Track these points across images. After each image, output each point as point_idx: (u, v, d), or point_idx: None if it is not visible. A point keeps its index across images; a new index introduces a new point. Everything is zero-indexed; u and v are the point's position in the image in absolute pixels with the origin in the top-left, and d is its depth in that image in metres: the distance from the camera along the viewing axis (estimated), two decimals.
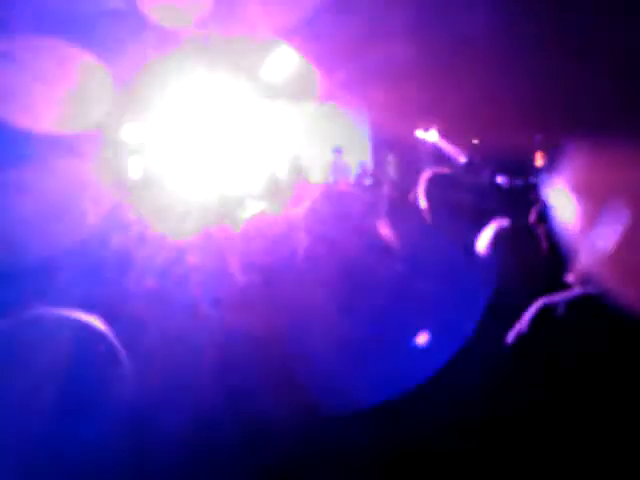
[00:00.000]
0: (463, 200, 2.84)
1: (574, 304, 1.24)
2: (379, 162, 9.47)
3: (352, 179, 9.28)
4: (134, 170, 6.72)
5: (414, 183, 3.37)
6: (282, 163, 9.22)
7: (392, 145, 9.44)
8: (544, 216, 2.13)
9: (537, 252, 2.10)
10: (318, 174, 9.39)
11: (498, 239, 2.06)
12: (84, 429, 0.99)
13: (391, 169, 9.21)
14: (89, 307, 2.41)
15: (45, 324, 0.97)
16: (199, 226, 2.91)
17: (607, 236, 1.03)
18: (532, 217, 2.30)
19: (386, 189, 5.17)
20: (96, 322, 1.00)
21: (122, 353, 1.00)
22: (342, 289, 1.99)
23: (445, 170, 2.95)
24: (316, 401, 1.78)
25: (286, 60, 7.89)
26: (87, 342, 0.97)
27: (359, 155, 9.74)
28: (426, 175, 2.83)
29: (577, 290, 1.23)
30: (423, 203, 2.77)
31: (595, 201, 1.09)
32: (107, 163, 5.46)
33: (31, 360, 0.94)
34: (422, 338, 1.97)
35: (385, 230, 2.34)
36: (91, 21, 5.45)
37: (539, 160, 7.50)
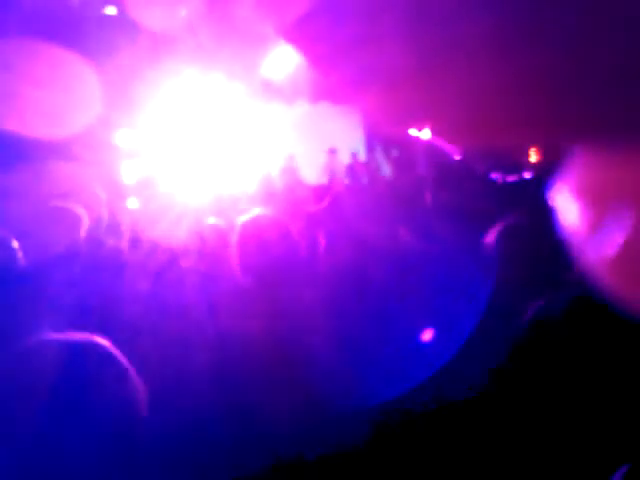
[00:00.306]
0: (465, 199, 2.86)
1: (573, 304, 1.23)
2: (373, 162, 9.48)
3: (345, 175, 9.29)
4: (128, 173, 6.70)
5: (410, 182, 3.37)
6: (276, 164, 9.21)
7: (386, 145, 9.44)
8: (542, 215, 2.14)
9: (538, 252, 2.10)
10: (312, 175, 9.38)
11: (500, 239, 2.06)
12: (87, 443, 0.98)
13: (385, 165, 9.22)
14: (82, 311, 2.39)
15: (49, 350, 0.94)
16: (194, 228, 2.90)
17: (609, 236, 1.01)
18: (528, 216, 2.29)
19: (382, 188, 5.17)
20: (103, 343, 0.97)
21: (131, 374, 0.97)
22: (342, 290, 1.99)
23: (447, 170, 2.95)
24: (316, 402, 1.78)
25: (280, 60, 7.88)
26: (95, 365, 0.94)
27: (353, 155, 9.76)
28: (432, 175, 2.83)
29: (576, 290, 1.22)
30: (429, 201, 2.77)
31: (598, 201, 1.07)
32: (101, 167, 5.45)
33: (36, 389, 0.92)
34: (424, 337, 1.97)
35: (383, 230, 2.34)
36: (83, 25, 5.44)
37: (536, 158, 7.51)
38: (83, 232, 3.14)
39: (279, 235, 2.12)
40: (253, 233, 2.13)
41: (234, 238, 2.15)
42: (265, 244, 2.10)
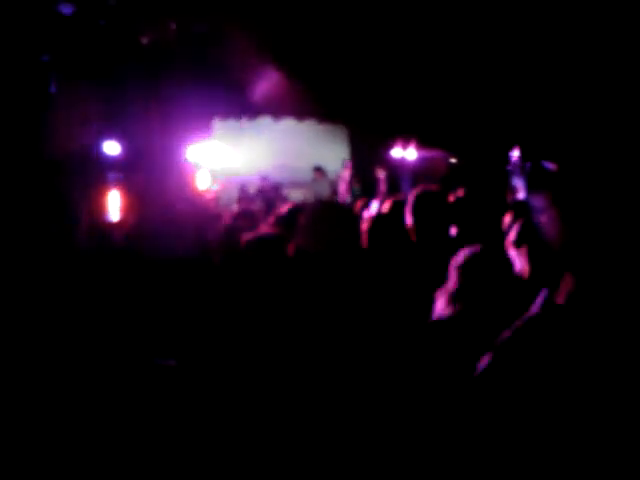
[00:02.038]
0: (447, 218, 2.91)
1: (563, 324, 1.22)
2: (360, 177, 9.60)
3: (338, 189, 9.43)
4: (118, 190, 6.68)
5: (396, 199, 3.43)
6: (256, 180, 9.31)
7: (373, 162, 9.59)
8: (527, 235, 2.21)
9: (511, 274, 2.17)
10: (299, 191, 9.50)
11: (469, 263, 2.09)
12: None
13: (382, 185, 9.36)
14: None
15: None
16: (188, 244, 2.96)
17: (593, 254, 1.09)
18: (512, 236, 2.35)
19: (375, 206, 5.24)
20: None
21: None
22: (334, 304, 2.05)
23: (433, 187, 2.97)
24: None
25: (269, 79, 8.00)
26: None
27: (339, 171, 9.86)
28: (414, 192, 2.84)
29: (565, 310, 1.21)
30: (410, 221, 2.79)
31: (579, 217, 1.17)
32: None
33: None
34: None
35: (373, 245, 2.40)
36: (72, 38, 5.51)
37: (519, 176, 7.66)
38: (81, 248, 3.20)
39: (277, 250, 2.19)
40: (253, 249, 2.19)
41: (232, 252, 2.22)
42: (265, 259, 2.17)
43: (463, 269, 2.05)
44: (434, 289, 2.19)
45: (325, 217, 2.33)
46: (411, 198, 2.79)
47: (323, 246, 2.20)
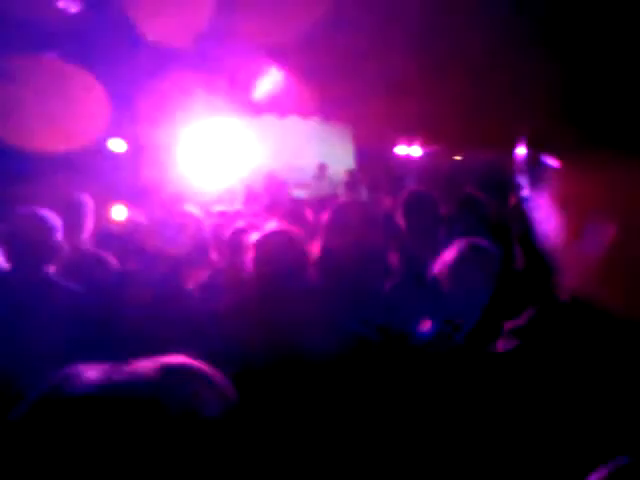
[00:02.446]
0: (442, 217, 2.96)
1: (566, 318, 1.25)
2: (364, 176, 9.58)
3: (339, 190, 9.40)
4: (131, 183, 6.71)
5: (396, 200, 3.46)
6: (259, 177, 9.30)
7: (377, 160, 9.57)
8: (526, 233, 2.22)
9: (512, 268, 2.20)
10: (302, 188, 9.50)
11: (461, 259, 2.11)
12: None
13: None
14: (86, 323, 2.43)
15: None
16: (196, 238, 2.97)
17: (593, 250, 1.10)
18: (515, 233, 2.37)
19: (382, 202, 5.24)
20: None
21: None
22: (340, 303, 2.06)
23: (423, 189, 3.03)
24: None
25: (274, 77, 8.01)
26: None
27: (344, 169, 9.86)
28: (404, 195, 2.90)
29: (568, 304, 1.25)
30: (401, 221, 2.85)
31: (579, 215, 1.16)
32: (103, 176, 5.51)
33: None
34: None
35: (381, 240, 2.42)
36: (87, 36, 5.53)
37: (521, 175, 7.62)
38: (86, 243, 3.20)
39: (293, 250, 2.19)
40: (267, 248, 2.20)
41: (249, 252, 2.22)
42: (278, 258, 2.17)
43: (452, 276, 2.10)
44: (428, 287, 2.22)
45: (353, 215, 2.36)
46: (401, 200, 2.87)
47: (351, 243, 2.22)
